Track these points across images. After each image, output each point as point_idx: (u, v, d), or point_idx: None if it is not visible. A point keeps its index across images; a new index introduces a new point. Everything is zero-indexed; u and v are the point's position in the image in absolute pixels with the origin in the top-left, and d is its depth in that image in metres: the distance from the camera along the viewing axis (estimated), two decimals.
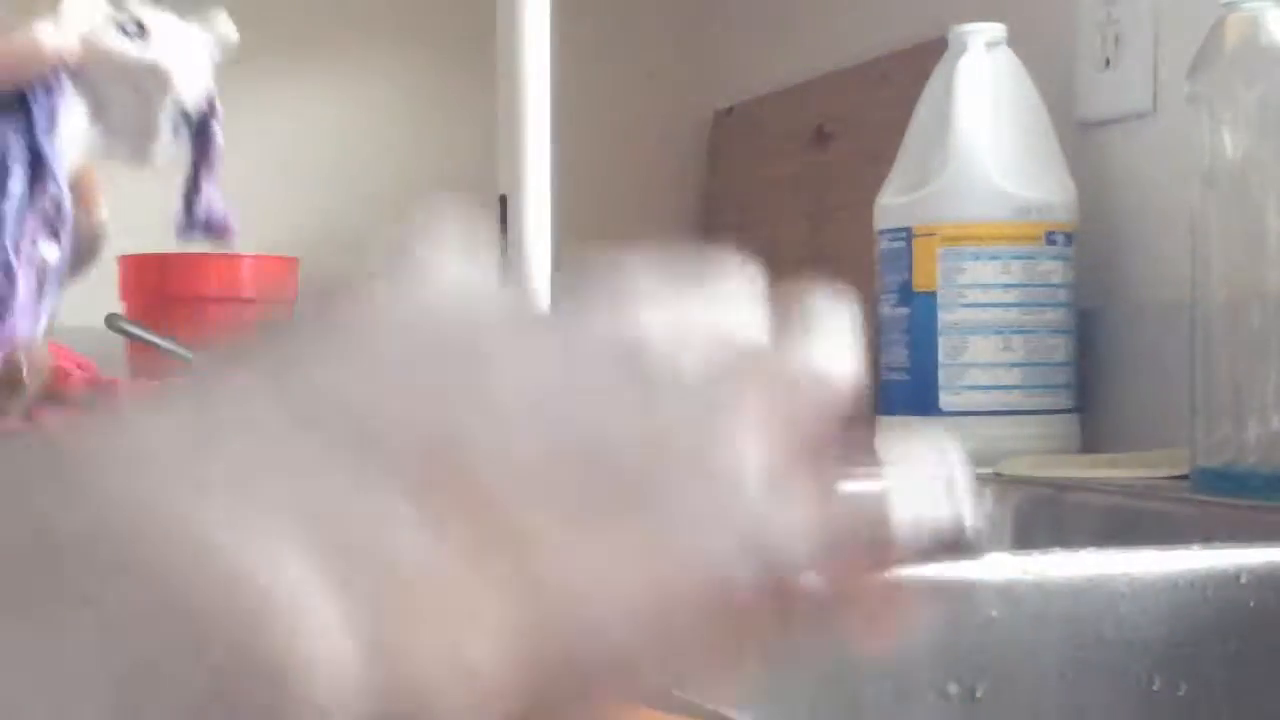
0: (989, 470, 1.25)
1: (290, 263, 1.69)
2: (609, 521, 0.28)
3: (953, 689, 0.76)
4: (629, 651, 0.28)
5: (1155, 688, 0.78)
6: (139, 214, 0.90)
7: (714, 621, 0.29)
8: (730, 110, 2.05)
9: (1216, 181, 1.06)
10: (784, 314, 0.31)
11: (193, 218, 0.76)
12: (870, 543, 0.30)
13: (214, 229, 0.76)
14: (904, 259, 1.37)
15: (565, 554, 0.27)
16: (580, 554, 0.28)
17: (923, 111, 1.42)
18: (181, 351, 1.23)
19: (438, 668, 0.26)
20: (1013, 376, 1.34)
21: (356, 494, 0.26)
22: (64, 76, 0.67)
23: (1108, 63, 1.43)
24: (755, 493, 0.29)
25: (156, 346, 1.30)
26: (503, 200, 0.75)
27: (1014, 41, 1.39)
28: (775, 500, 0.29)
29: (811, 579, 0.30)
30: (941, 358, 1.35)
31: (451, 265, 0.30)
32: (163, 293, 1.68)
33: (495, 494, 0.27)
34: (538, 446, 0.28)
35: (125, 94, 0.68)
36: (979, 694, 0.76)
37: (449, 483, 0.27)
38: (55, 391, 0.76)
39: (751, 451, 0.29)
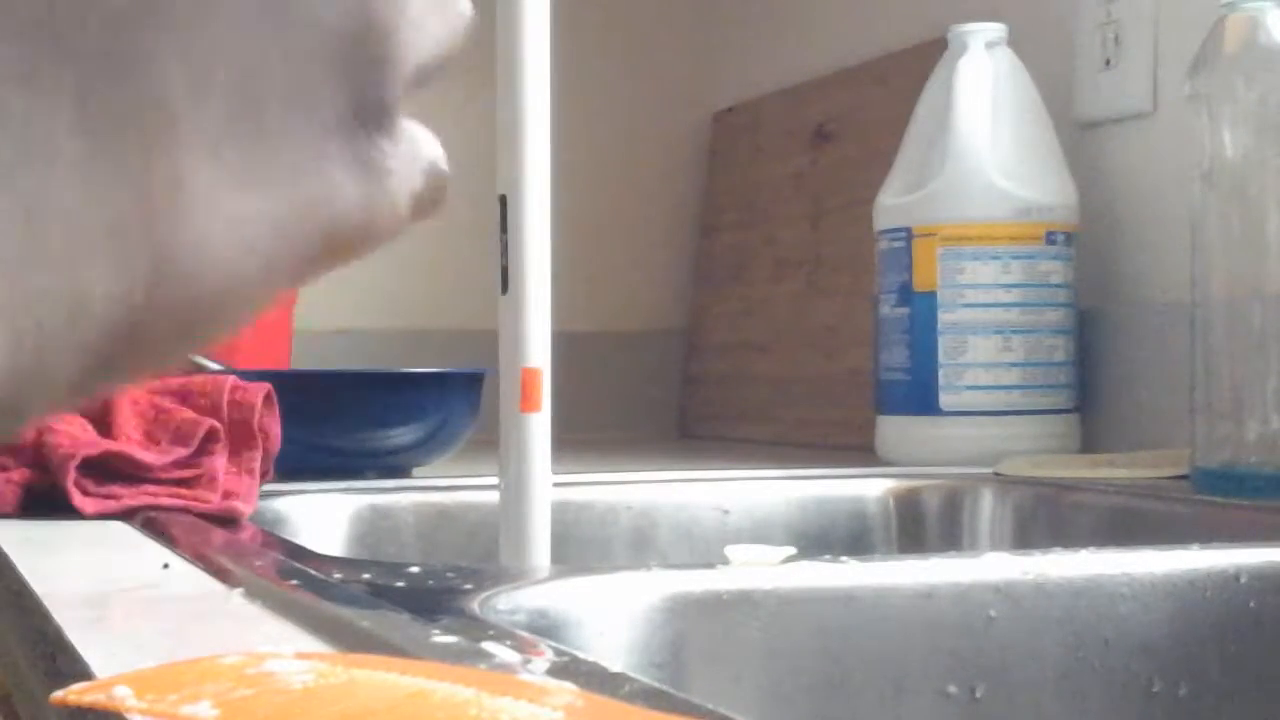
0: (989, 470, 1.25)
1: None
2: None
3: (953, 689, 0.76)
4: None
5: (1155, 688, 0.78)
6: None
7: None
8: (730, 110, 2.05)
9: (1216, 181, 1.06)
10: None
11: None
12: None
13: None
14: (904, 259, 1.37)
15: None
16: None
17: (922, 111, 1.42)
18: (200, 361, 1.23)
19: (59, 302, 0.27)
20: (1013, 376, 1.34)
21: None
22: None
23: (1108, 63, 1.43)
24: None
25: None
26: (503, 200, 0.75)
27: (1014, 41, 1.39)
28: None
29: None
30: (941, 358, 1.35)
31: None
32: None
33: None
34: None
35: None
36: (979, 694, 0.76)
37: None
38: None
39: None
